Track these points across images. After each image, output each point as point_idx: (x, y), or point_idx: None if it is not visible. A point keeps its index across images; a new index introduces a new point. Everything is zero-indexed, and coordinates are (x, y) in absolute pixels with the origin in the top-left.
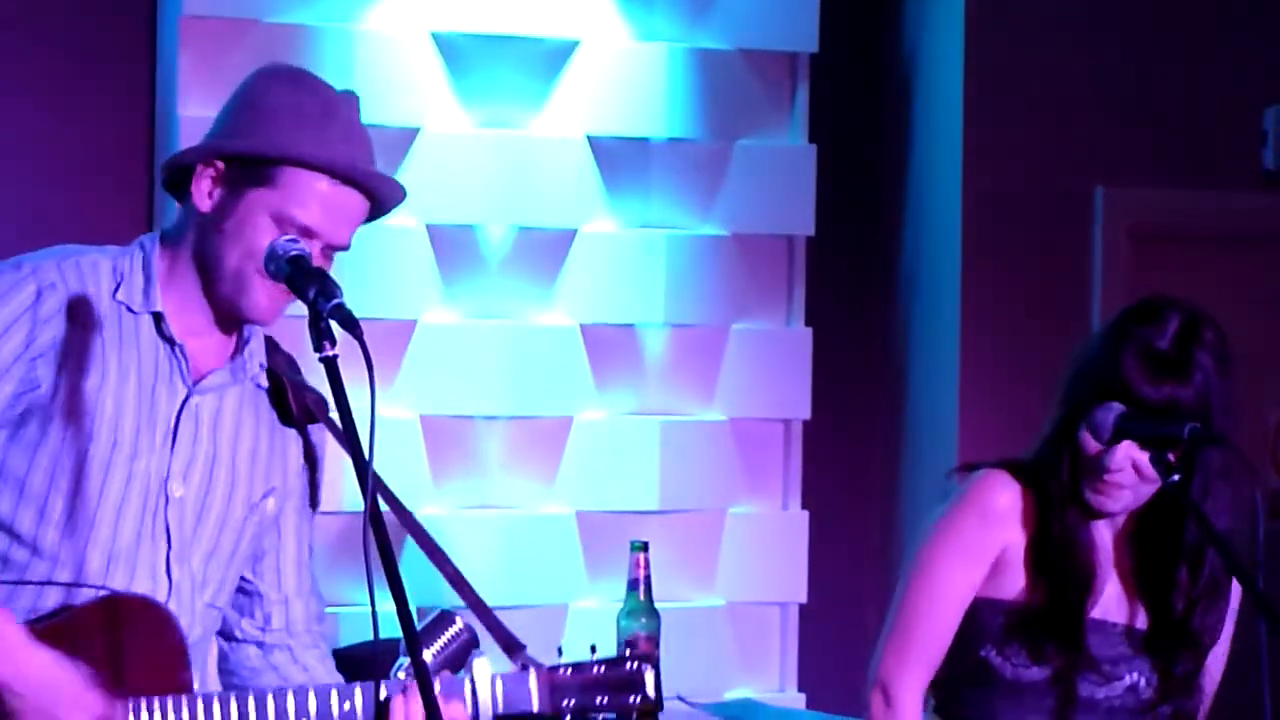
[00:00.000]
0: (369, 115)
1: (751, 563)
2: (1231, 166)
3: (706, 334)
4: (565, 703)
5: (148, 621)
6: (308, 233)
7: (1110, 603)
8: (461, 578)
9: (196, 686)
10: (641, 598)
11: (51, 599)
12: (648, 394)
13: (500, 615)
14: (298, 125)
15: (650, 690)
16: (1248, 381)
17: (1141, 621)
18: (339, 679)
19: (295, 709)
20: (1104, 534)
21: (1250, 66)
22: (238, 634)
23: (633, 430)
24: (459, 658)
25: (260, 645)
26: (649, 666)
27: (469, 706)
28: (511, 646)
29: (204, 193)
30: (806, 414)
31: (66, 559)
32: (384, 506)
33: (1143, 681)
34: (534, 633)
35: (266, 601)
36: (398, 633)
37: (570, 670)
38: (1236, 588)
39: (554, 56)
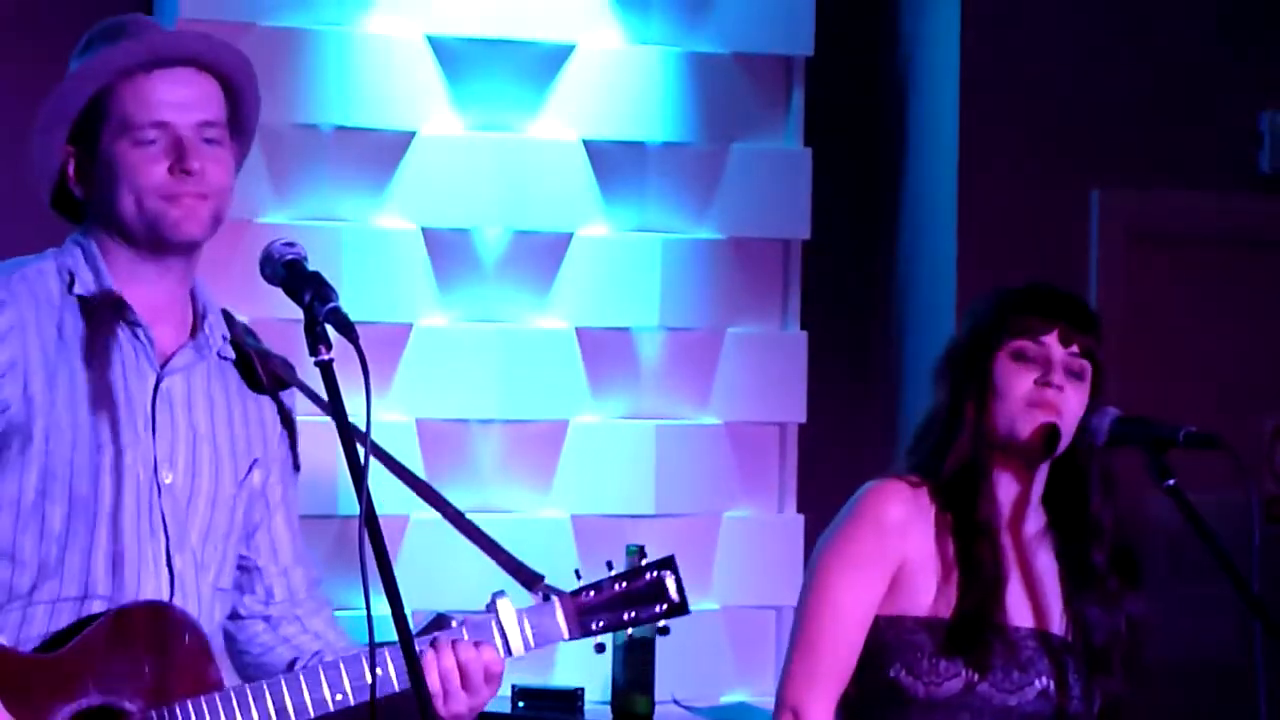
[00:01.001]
0: (365, 119)
1: (747, 566)
2: (1227, 169)
3: (702, 338)
4: (594, 625)
5: (164, 627)
6: (161, 125)
7: (1018, 607)
8: (463, 517)
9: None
10: None
11: (64, 617)
12: (643, 398)
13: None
14: (94, 58)
15: (674, 594)
16: (1244, 385)
17: (1052, 625)
18: (350, 639)
19: (329, 685)
20: (1007, 539)
21: (1246, 69)
22: (241, 611)
23: (628, 434)
24: None
25: (267, 620)
26: (669, 572)
27: (500, 649)
28: (530, 580)
29: (74, 183)
30: (802, 418)
31: (72, 573)
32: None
33: (1052, 685)
34: None
35: (266, 574)
36: (393, 636)
37: (593, 592)
38: None
39: (549, 60)
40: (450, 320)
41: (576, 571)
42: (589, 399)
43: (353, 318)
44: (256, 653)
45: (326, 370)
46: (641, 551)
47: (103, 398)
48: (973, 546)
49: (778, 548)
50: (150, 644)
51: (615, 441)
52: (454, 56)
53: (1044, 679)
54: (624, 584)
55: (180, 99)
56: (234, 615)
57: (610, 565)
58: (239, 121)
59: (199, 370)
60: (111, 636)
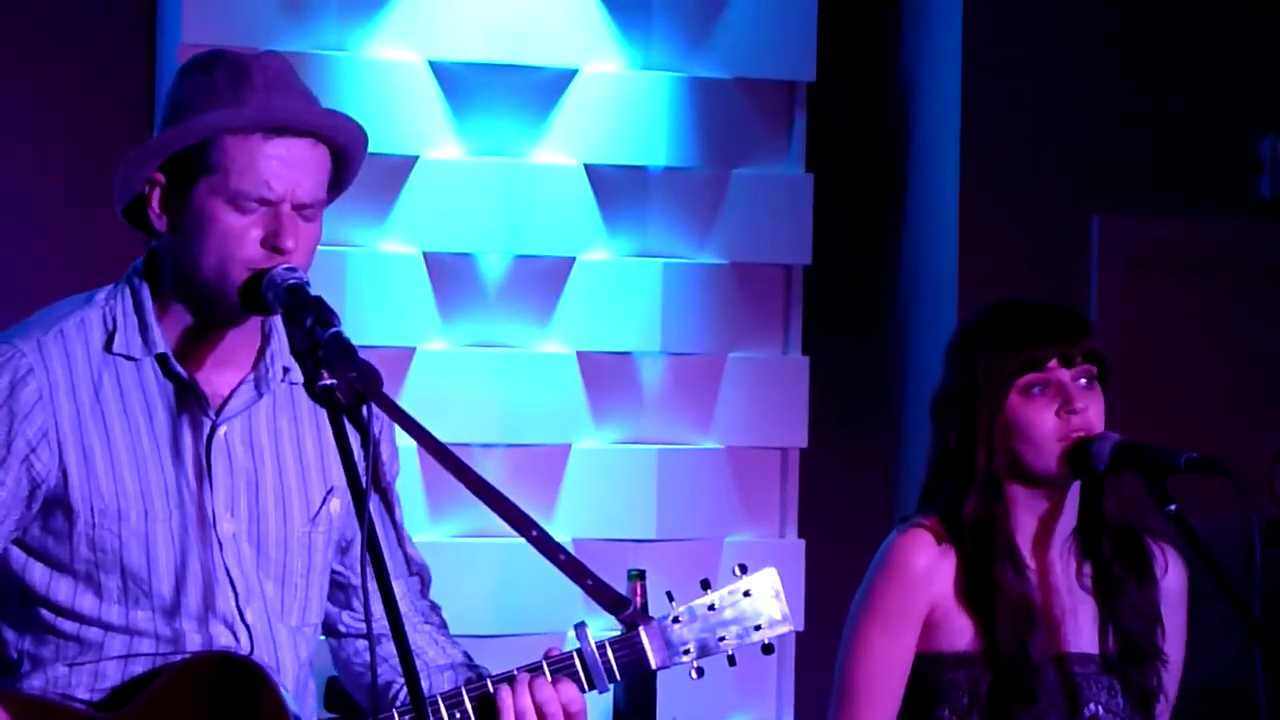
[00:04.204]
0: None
1: None
2: (1227, 196)
3: (703, 362)
4: (683, 650)
5: (234, 678)
6: (266, 201)
7: (1057, 633)
8: (548, 537)
9: None
10: None
11: (139, 667)
12: (645, 422)
13: (497, 644)
14: (212, 100)
15: (775, 611)
16: (1244, 410)
17: (1094, 644)
18: (453, 654)
19: None
20: (1035, 565)
21: (1247, 96)
22: (341, 629)
23: (630, 459)
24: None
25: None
26: (768, 586)
27: (583, 685)
28: (616, 605)
29: (156, 213)
30: (803, 442)
31: (140, 629)
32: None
33: (1101, 710)
34: (530, 661)
35: (361, 591)
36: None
37: (681, 617)
38: (1173, 587)
39: (552, 85)
40: (452, 345)
41: (668, 594)
42: (590, 424)
43: (355, 342)
44: (358, 670)
45: (329, 396)
46: (642, 576)
47: (147, 459)
48: (997, 585)
49: (780, 573)
50: (220, 697)
51: (617, 466)
52: (456, 82)
53: (1093, 705)
54: (716, 605)
55: (284, 173)
56: (335, 632)
57: (706, 584)
58: (339, 182)
59: (261, 406)
60: (179, 691)
